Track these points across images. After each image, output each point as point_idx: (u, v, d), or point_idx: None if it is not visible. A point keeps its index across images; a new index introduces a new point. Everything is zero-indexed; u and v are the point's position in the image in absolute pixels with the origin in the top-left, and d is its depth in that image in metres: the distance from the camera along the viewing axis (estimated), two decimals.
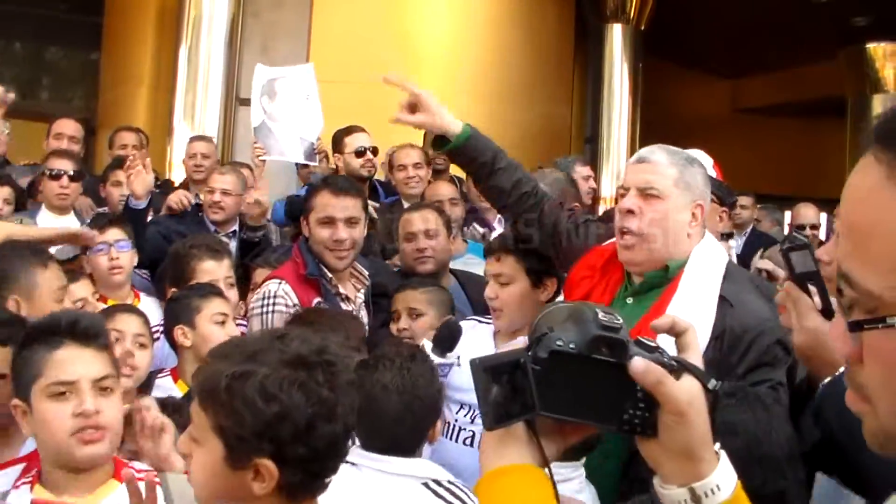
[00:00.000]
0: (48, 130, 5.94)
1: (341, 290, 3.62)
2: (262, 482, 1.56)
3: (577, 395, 1.18)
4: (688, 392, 1.17)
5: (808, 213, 6.62)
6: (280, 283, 3.52)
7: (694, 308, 2.46)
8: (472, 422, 3.05)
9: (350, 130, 5.69)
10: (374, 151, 5.60)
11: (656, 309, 2.49)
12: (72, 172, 4.98)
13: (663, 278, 2.62)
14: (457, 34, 8.18)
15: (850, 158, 11.43)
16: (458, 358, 3.14)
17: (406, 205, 5.10)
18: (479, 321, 3.35)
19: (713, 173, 3.39)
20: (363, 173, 5.49)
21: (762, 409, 2.05)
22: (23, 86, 11.90)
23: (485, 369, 1.19)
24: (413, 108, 2.99)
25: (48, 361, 2.11)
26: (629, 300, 2.67)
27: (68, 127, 5.93)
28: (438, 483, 2.30)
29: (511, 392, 1.19)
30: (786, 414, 2.27)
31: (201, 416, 1.60)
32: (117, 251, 3.95)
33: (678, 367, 1.18)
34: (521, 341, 3.00)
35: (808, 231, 6.17)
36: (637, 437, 1.21)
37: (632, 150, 9.62)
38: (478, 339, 3.21)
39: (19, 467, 2.30)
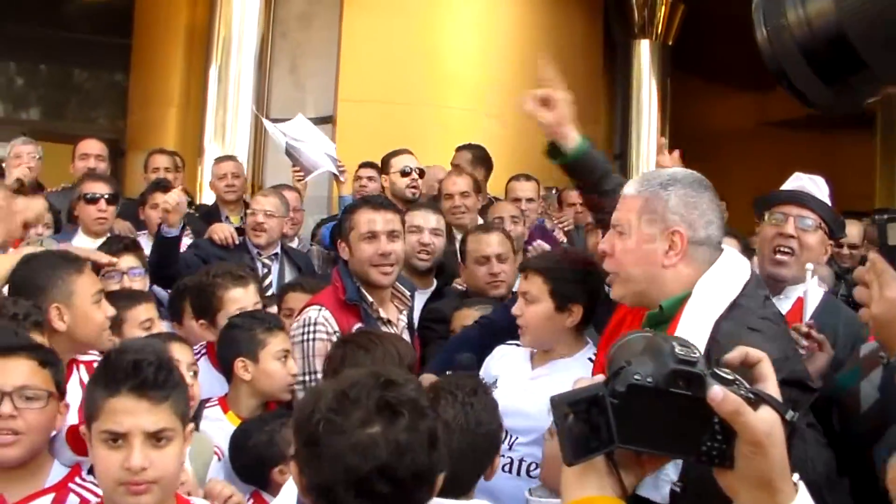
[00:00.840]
0: (73, 152, 5.96)
1: (382, 314, 3.59)
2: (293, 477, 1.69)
3: (655, 426, 1.21)
4: (766, 422, 1.18)
5: (851, 231, 6.43)
6: (320, 309, 3.48)
7: None
8: (510, 448, 2.96)
9: (397, 153, 5.73)
10: (421, 174, 5.63)
11: None
12: (108, 196, 4.98)
13: (661, 317, 2.40)
14: (485, 53, 8.17)
15: (880, 171, 11.34)
16: (496, 380, 3.12)
17: (455, 233, 5.06)
18: (516, 345, 3.28)
19: (827, 201, 3.33)
20: (408, 194, 5.50)
21: (799, 439, 2.00)
22: (48, 108, 12.01)
23: (565, 404, 1.23)
24: (545, 103, 2.94)
25: (104, 407, 2.05)
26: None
27: (93, 147, 5.96)
28: None
29: (589, 426, 1.22)
30: (817, 437, 2.23)
31: None
32: (130, 278, 3.96)
33: (755, 399, 1.21)
34: (556, 364, 2.97)
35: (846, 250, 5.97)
36: (715, 469, 1.23)
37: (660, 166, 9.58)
38: (515, 362, 3.18)
39: (48, 498, 2.29)
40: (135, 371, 2.04)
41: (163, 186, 5.18)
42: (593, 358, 3.04)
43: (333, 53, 8.03)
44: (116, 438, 2.02)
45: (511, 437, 2.95)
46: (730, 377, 1.22)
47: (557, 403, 1.23)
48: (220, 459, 2.86)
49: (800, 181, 3.42)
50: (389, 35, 7.96)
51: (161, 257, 4.44)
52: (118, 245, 4.07)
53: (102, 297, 2.98)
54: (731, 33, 11.07)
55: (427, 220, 4.30)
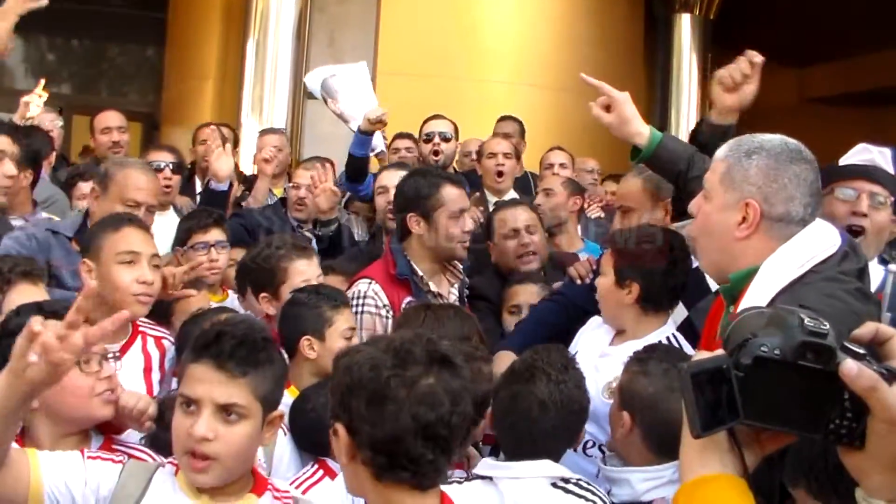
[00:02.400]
0: (91, 128, 5.77)
1: (433, 287, 3.55)
2: (340, 449, 1.74)
3: (780, 402, 1.16)
4: None
5: None
6: (370, 282, 3.46)
7: None
8: None
9: (427, 120, 5.73)
10: (446, 139, 5.56)
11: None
12: (172, 164, 4.77)
13: (730, 291, 2.33)
14: (524, 26, 8.08)
15: None
16: (576, 354, 3.07)
17: (490, 197, 5.04)
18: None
19: (891, 168, 3.17)
20: (430, 160, 5.48)
21: None
22: (81, 82, 12.03)
23: (691, 376, 1.17)
24: (608, 108, 2.99)
25: (185, 371, 2.05)
26: (731, 308, 2.50)
27: (114, 119, 5.69)
28: (566, 481, 2.33)
29: (715, 399, 1.16)
30: None
31: None
32: (218, 250, 3.88)
33: (889, 375, 1.14)
34: (625, 346, 2.93)
35: None
36: (841, 448, 1.17)
37: None
38: (597, 338, 3.13)
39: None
40: (216, 341, 2.01)
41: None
42: (672, 339, 2.99)
43: (372, 27, 7.97)
44: (190, 404, 2.00)
45: None
46: (860, 351, 1.16)
47: (686, 374, 1.18)
48: (285, 434, 2.81)
49: (869, 154, 3.24)
50: (428, 8, 7.89)
51: None
52: (207, 219, 3.94)
53: (140, 259, 2.95)
54: (772, 8, 10.96)
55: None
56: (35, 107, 5.39)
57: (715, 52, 10.20)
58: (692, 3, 9.93)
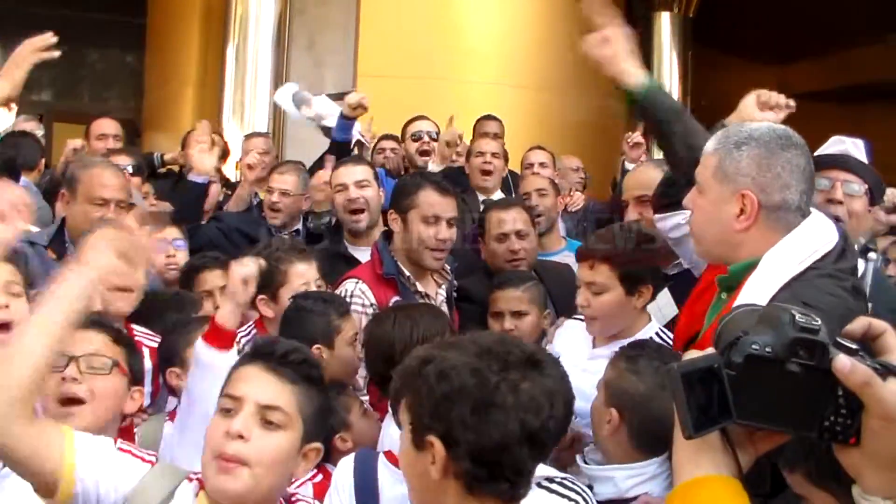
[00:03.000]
0: (87, 132, 5.86)
1: (420, 287, 3.55)
2: (433, 462, 1.61)
3: (773, 401, 1.13)
4: None
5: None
6: (357, 282, 3.46)
7: None
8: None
9: (412, 120, 5.79)
10: (433, 138, 5.60)
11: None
12: (132, 167, 4.72)
13: (730, 282, 2.35)
14: (505, 27, 8.08)
15: None
16: (559, 357, 3.06)
17: (479, 196, 5.05)
18: (579, 320, 3.23)
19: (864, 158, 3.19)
20: (418, 161, 5.50)
21: None
22: (62, 89, 11.96)
23: (682, 375, 1.15)
24: (604, 41, 2.78)
25: (232, 375, 2.00)
26: (723, 295, 2.51)
27: (110, 126, 5.84)
28: (551, 480, 2.26)
29: (706, 399, 1.14)
30: None
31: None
32: (174, 249, 3.96)
33: (883, 370, 1.12)
34: (618, 344, 2.91)
35: None
36: (836, 446, 1.15)
37: None
38: (577, 339, 3.12)
39: None
40: (271, 347, 2.00)
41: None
42: (661, 334, 3.00)
43: (352, 29, 7.96)
44: (230, 405, 1.92)
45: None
46: (853, 347, 1.14)
47: (675, 374, 1.15)
48: None
49: (843, 145, 3.28)
50: (408, 9, 7.89)
51: (184, 205, 4.48)
52: (164, 218, 4.11)
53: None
54: (751, 6, 11.00)
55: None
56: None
57: (696, 49, 10.24)
58: (671, 1, 9.95)
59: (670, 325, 3.08)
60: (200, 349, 2.47)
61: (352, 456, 2.42)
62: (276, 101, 6.29)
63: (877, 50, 11.44)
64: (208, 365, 2.43)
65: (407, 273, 3.52)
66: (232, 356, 2.37)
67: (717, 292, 2.45)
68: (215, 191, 5.14)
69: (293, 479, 2.04)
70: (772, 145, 2.25)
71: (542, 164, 5.71)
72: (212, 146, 4.58)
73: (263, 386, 1.92)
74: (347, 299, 3.38)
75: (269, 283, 3.36)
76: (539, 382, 1.65)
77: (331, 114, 5.49)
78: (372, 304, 3.40)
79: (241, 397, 1.91)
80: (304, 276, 3.42)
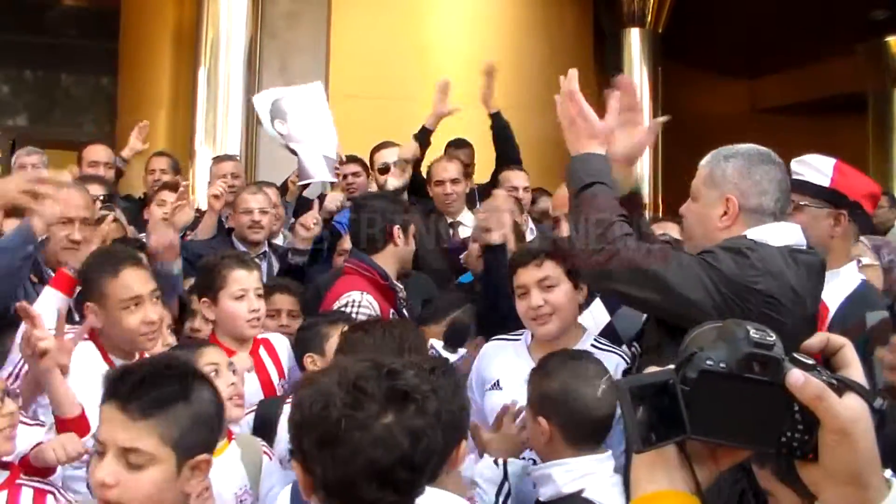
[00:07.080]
0: (79, 158, 5.82)
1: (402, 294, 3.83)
2: (301, 485, 1.63)
3: (730, 416, 1.12)
4: (851, 409, 1.08)
5: None
6: (363, 293, 3.63)
7: None
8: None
9: (378, 147, 5.77)
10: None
11: None
12: (101, 196, 4.74)
13: None
14: (474, 46, 8.11)
15: (873, 155, 11.32)
16: (498, 382, 3.10)
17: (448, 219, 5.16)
18: (507, 339, 3.26)
19: (825, 177, 3.27)
20: (380, 179, 5.54)
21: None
22: (35, 114, 11.92)
23: (630, 391, 1.14)
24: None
25: (100, 414, 2.03)
26: None
27: (101, 153, 5.81)
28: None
29: (658, 414, 1.13)
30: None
31: None
32: None
33: (839, 385, 1.11)
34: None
35: None
36: (797, 462, 1.14)
37: (654, 155, 9.53)
38: (513, 358, 3.15)
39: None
40: (120, 380, 1.94)
41: (168, 186, 5.09)
42: (597, 344, 3.07)
43: (322, 51, 7.98)
44: (100, 451, 1.92)
45: None
46: (809, 362, 1.13)
47: (624, 390, 1.14)
48: (270, 459, 2.82)
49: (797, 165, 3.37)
50: (378, 31, 7.90)
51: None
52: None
53: (143, 300, 3.03)
54: (721, 20, 11.09)
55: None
56: None
57: (665, 65, 10.30)
58: (640, 17, 10.01)
59: (604, 332, 3.23)
60: None
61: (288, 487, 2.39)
62: (253, 102, 6.24)
63: (846, 62, 11.55)
64: None
65: (399, 286, 3.87)
66: None
67: None
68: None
69: (190, 494, 1.99)
70: (754, 159, 2.63)
71: (525, 189, 5.55)
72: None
73: (118, 429, 1.90)
74: (355, 307, 3.55)
75: (210, 286, 3.57)
76: (401, 419, 1.55)
77: (302, 140, 5.58)
78: (378, 315, 3.55)
79: (104, 442, 1.92)
80: (242, 282, 3.55)
